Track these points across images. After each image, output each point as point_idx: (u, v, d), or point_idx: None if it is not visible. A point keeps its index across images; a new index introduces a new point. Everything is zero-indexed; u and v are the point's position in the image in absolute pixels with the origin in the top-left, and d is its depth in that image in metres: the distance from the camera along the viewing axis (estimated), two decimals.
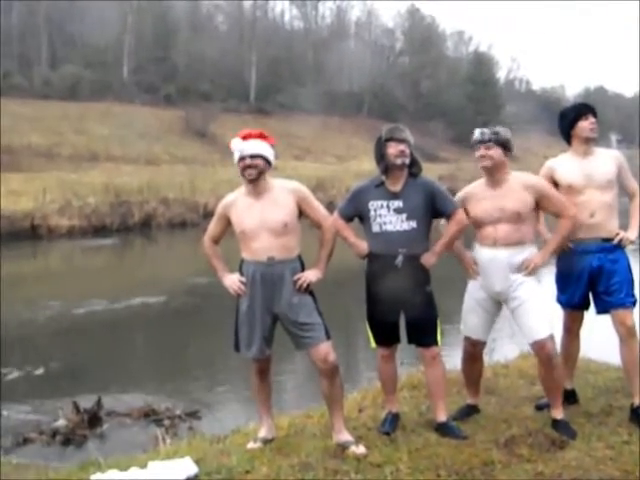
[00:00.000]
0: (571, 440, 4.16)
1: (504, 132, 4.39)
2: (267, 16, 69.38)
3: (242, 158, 4.10)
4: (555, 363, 4.30)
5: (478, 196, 4.40)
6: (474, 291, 4.50)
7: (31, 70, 49.47)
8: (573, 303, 4.69)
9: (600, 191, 4.52)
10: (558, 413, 4.37)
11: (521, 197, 4.30)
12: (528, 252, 4.32)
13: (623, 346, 4.52)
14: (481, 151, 4.35)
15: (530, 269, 4.29)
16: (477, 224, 4.43)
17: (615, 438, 4.17)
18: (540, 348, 4.24)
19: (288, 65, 61.91)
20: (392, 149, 4.26)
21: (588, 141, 4.61)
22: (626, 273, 4.53)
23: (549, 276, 4.68)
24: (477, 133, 4.38)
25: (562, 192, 4.59)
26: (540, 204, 4.36)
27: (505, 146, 4.37)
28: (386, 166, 4.29)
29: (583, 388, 5.07)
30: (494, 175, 4.37)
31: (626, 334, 4.47)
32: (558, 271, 4.74)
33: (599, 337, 5.01)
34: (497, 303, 4.47)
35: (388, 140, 4.28)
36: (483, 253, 4.41)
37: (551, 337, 4.27)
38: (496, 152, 4.33)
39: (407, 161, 4.27)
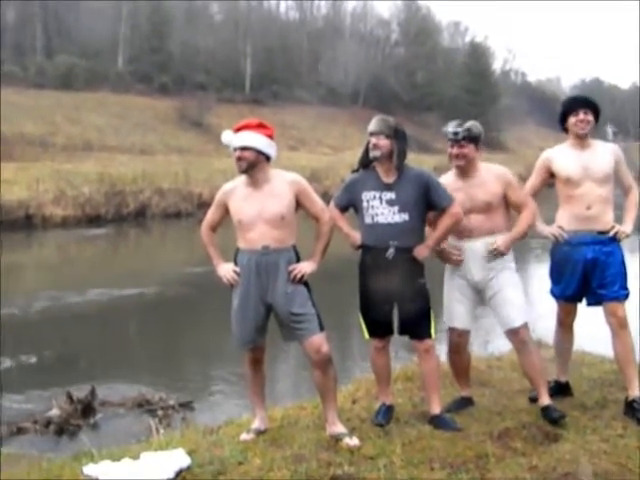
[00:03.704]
0: (560, 421, 4.20)
1: (476, 127, 4.43)
2: (262, 6, 69.05)
3: (234, 150, 4.12)
4: (530, 349, 4.39)
5: (450, 188, 4.38)
6: (454, 281, 4.52)
7: (26, 59, 49.23)
8: (567, 295, 4.68)
9: (597, 184, 4.51)
10: (545, 399, 4.39)
11: (491, 188, 4.38)
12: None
13: (615, 338, 4.52)
14: (455, 150, 4.40)
15: (494, 252, 4.35)
16: None
17: (609, 431, 4.16)
18: (514, 334, 4.36)
19: (283, 56, 61.73)
20: (370, 143, 4.28)
21: (578, 137, 4.59)
22: (620, 266, 4.53)
23: (542, 268, 4.67)
24: (450, 133, 4.40)
25: (560, 184, 4.61)
26: (505, 195, 4.40)
27: (477, 141, 4.42)
28: (369, 160, 4.31)
29: (578, 381, 5.06)
30: (466, 168, 4.43)
31: (618, 326, 4.48)
32: (552, 263, 4.73)
33: (594, 330, 5.01)
34: (477, 291, 4.50)
35: (369, 134, 4.30)
36: (460, 245, 4.44)
37: (525, 325, 4.37)
38: (469, 149, 4.39)
39: (378, 154, 4.24)
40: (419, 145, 46.14)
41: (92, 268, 18.76)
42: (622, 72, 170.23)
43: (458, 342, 4.60)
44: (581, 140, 4.58)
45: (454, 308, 4.53)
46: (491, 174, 4.43)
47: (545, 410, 4.35)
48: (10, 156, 32.00)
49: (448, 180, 4.49)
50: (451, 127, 4.40)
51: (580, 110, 4.57)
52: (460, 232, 4.42)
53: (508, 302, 4.35)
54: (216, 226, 4.37)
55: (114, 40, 54.14)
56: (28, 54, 50.76)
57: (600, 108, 4.67)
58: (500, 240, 4.36)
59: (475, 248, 4.39)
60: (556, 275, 4.71)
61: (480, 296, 4.51)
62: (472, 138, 4.38)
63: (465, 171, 4.44)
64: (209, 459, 3.97)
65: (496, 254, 4.36)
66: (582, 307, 4.76)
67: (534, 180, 4.76)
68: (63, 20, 53.41)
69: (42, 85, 44.83)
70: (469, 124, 4.39)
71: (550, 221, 4.67)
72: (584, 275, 4.56)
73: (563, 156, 4.62)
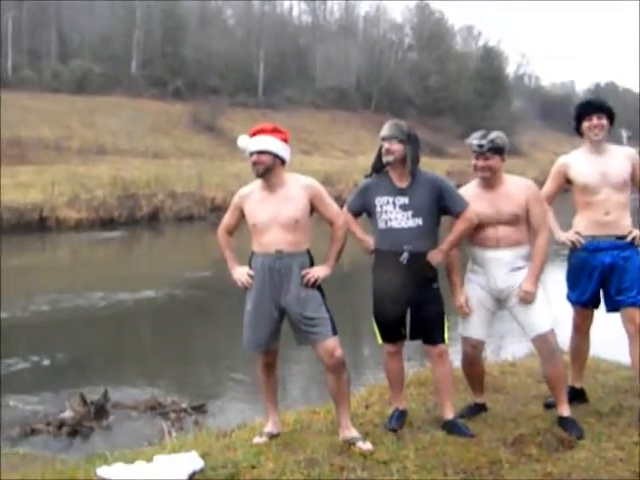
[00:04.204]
0: (578, 438, 4.13)
1: (500, 139, 4.34)
2: (275, 11, 69.21)
3: (251, 154, 4.13)
4: (557, 356, 4.32)
5: (475, 199, 4.35)
6: (474, 291, 4.45)
7: (41, 64, 49.56)
8: (583, 300, 4.65)
9: (615, 190, 4.48)
10: (564, 410, 4.35)
11: (517, 200, 4.31)
12: (527, 251, 4.34)
13: (632, 344, 4.48)
14: (480, 162, 4.32)
15: (527, 297, 4.27)
16: (476, 226, 4.38)
17: (625, 439, 4.12)
18: (542, 341, 4.27)
19: (296, 60, 61.82)
20: (383, 148, 4.26)
21: (592, 142, 4.56)
22: (638, 271, 4.48)
23: (556, 274, 4.66)
24: (475, 145, 4.32)
25: (577, 191, 4.58)
26: (527, 208, 4.33)
27: (502, 152, 4.34)
28: (382, 165, 4.30)
29: (593, 387, 5.03)
30: (491, 180, 4.37)
31: (635, 332, 4.44)
32: (569, 268, 4.71)
33: (610, 336, 4.98)
34: (497, 301, 4.45)
35: (382, 140, 4.28)
36: (485, 254, 4.38)
37: (552, 331, 4.30)
38: (495, 161, 4.31)
39: (392, 159, 4.22)
40: (432, 149, 46.08)
41: (105, 271, 18.81)
42: (637, 76, 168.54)
43: (472, 353, 4.53)
44: (597, 145, 4.54)
45: (471, 318, 4.46)
46: (515, 186, 4.37)
47: (564, 421, 4.30)
48: (26, 159, 32.25)
49: (471, 191, 4.43)
50: (475, 139, 4.32)
51: (593, 115, 4.52)
52: (486, 241, 4.35)
53: (534, 308, 4.28)
54: (232, 230, 4.39)
55: (128, 44, 54.42)
56: (43, 59, 51.09)
57: (614, 112, 4.60)
58: (526, 285, 4.26)
59: (501, 257, 4.33)
60: (573, 281, 4.69)
61: (500, 305, 4.45)
62: (497, 149, 4.30)
63: (490, 183, 4.36)
64: (222, 462, 3.97)
65: (530, 299, 4.28)
66: (597, 313, 4.73)
67: (550, 186, 4.73)
68: (77, 25, 53.67)
69: (57, 89, 45.11)
70: (493, 135, 4.31)
71: (566, 227, 4.65)
72: (601, 281, 4.54)
73: (580, 162, 4.58)
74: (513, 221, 4.30)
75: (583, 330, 4.77)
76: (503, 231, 4.31)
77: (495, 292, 4.39)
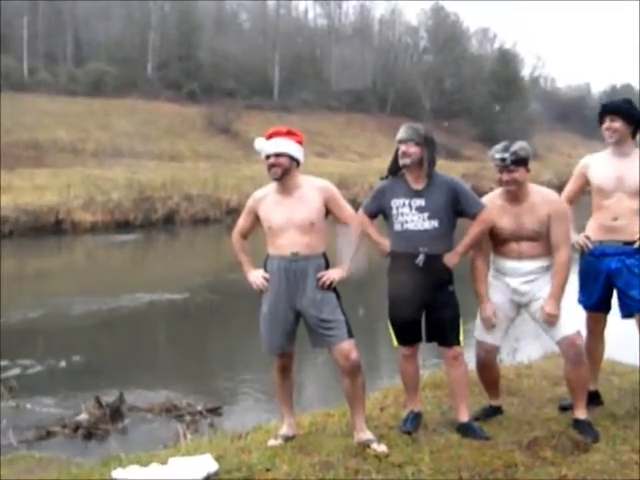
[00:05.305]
0: (593, 442, 4.11)
1: (523, 149, 4.24)
2: (290, 14, 69.36)
3: (267, 157, 4.14)
4: (583, 360, 4.28)
5: (498, 211, 4.31)
6: (494, 295, 4.42)
7: (57, 67, 49.89)
8: (591, 304, 4.65)
9: (628, 196, 4.43)
10: (581, 413, 4.32)
11: (539, 214, 4.24)
12: (548, 262, 4.29)
13: None
14: (505, 176, 4.23)
15: (551, 319, 4.22)
16: (498, 239, 4.36)
17: None
18: (570, 344, 4.22)
19: (311, 63, 61.88)
20: (399, 151, 4.26)
21: (612, 144, 4.52)
22: None
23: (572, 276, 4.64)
24: (498, 159, 4.22)
25: (593, 192, 4.57)
26: (549, 226, 4.26)
27: (526, 163, 4.26)
28: (398, 167, 4.29)
29: (608, 390, 5.00)
30: (517, 193, 4.30)
31: None
32: (579, 271, 4.71)
33: (626, 339, 4.95)
34: (516, 307, 4.42)
35: (398, 142, 4.27)
36: (507, 263, 4.36)
37: (579, 333, 4.27)
38: (520, 173, 4.23)
39: (408, 161, 4.22)
40: (447, 152, 45.94)
41: (121, 274, 18.91)
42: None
43: (485, 357, 4.51)
44: (618, 148, 4.50)
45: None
46: (541, 197, 4.28)
47: (579, 424, 4.29)
48: (43, 162, 32.47)
49: (495, 202, 4.36)
50: (497, 153, 4.23)
51: (607, 117, 4.49)
52: (509, 253, 4.33)
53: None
54: (247, 233, 4.40)
55: (143, 47, 54.68)
56: (59, 62, 51.42)
57: (636, 113, 4.48)
58: (549, 308, 4.21)
59: (523, 267, 4.31)
60: (582, 284, 4.69)
61: (520, 311, 4.44)
62: (521, 161, 4.20)
63: (516, 196, 4.29)
64: (237, 465, 3.98)
65: (553, 321, 4.22)
66: (613, 316, 4.71)
67: (571, 186, 4.72)
68: (93, 28, 53.99)
69: (73, 92, 45.34)
70: (516, 147, 4.22)
71: (579, 229, 4.63)
72: (608, 286, 4.52)
73: (599, 164, 4.55)
74: (535, 237, 4.26)
75: (596, 333, 4.74)
76: (525, 246, 4.28)
77: (516, 297, 4.37)
